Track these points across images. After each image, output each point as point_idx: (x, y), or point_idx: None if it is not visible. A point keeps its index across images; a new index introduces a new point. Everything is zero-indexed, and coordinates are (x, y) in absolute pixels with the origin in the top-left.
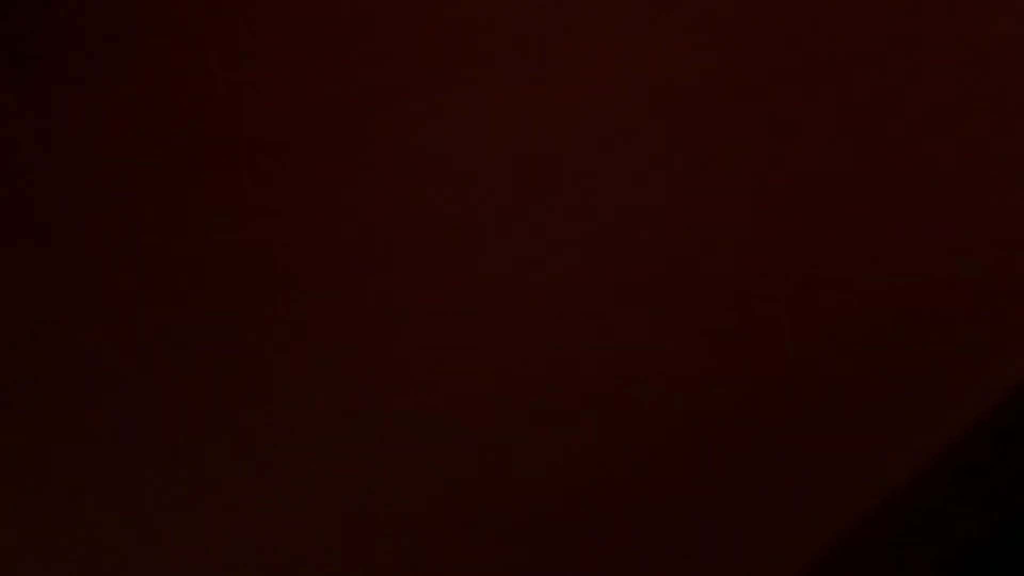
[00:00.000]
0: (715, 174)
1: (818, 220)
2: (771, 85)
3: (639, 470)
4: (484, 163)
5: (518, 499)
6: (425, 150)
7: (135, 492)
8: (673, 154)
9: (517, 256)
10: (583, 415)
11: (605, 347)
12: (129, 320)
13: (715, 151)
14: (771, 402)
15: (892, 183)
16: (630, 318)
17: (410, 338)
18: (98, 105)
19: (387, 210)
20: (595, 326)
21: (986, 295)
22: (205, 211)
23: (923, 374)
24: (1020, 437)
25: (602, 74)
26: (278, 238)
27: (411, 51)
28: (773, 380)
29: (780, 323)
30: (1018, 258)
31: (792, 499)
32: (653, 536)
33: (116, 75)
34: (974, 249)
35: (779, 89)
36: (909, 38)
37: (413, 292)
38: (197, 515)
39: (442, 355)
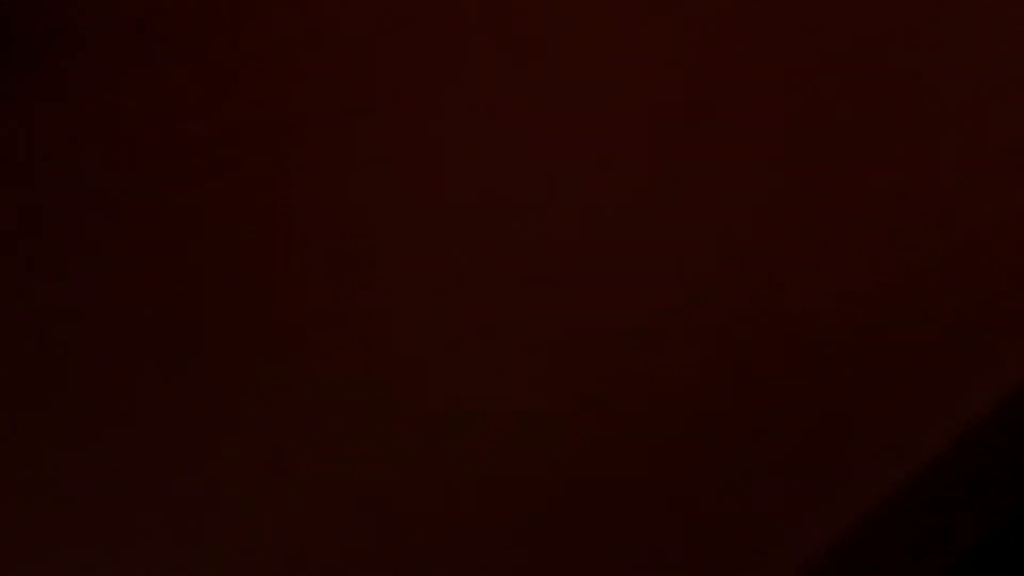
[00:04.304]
0: (714, 175)
1: (819, 221)
2: (773, 84)
3: (639, 470)
4: (484, 163)
5: (518, 498)
6: (424, 150)
7: (140, 494)
8: (672, 155)
9: (516, 255)
10: (584, 415)
11: (605, 347)
12: (128, 319)
13: (714, 152)
14: (770, 402)
15: (892, 183)
16: (630, 318)
17: (411, 336)
18: (98, 105)
19: (387, 209)
20: (595, 325)
21: (986, 295)
22: (204, 210)
23: (923, 374)
24: (1020, 437)
25: (600, 73)
26: (278, 237)
27: (410, 51)
28: (772, 380)
29: (780, 323)
30: (1019, 257)
31: (792, 499)
32: (653, 535)
33: (115, 76)
34: (974, 248)
35: (780, 88)
36: (908, 37)
37: (415, 290)
38: (201, 515)
39: (442, 354)
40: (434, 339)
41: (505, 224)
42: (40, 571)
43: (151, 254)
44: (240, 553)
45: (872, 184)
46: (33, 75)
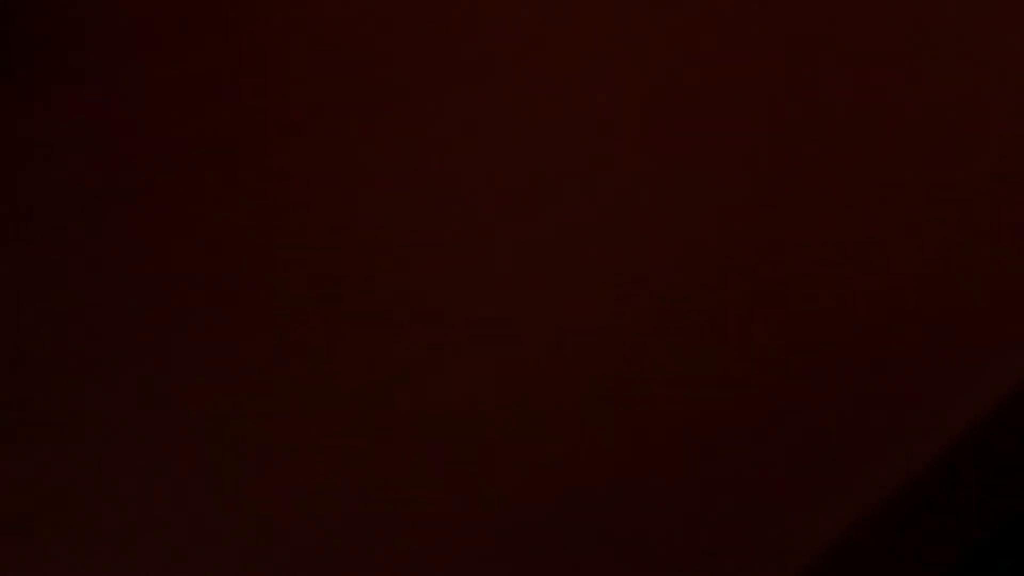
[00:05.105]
0: (716, 174)
1: (818, 221)
2: (772, 86)
3: (640, 469)
4: (487, 162)
5: (518, 497)
6: (429, 149)
7: (138, 489)
8: (676, 153)
9: (518, 254)
10: (584, 414)
11: (606, 346)
12: (132, 316)
13: (716, 151)
14: (770, 403)
15: (892, 183)
16: (631, 318)
17: (413, 334)
18: (99, 104)
19: (390, 209)
20: (596, 325)
21: (986, 295)
22: (204, 208)
23: (923, 374)
24: (1020, 437)
25: (604, 72)
26: (281, 236)
27: (415, 51)
28: (772, 381)
29: (780, 324)
30: (1018, 258)
31: (792, 499)
32: (652, 536)
33: (116, 75)
34: (974, 248)
35: (779, 90)
36: (908, 38)
37: (415, 290)
38: (200, 514)
39: (445, 352)
40: (438, 335)
41: (504, 224)
42: (38, 567)
43: (151, 252)
44: (238, 552)
45: (871, 185)
46: (33, 75)
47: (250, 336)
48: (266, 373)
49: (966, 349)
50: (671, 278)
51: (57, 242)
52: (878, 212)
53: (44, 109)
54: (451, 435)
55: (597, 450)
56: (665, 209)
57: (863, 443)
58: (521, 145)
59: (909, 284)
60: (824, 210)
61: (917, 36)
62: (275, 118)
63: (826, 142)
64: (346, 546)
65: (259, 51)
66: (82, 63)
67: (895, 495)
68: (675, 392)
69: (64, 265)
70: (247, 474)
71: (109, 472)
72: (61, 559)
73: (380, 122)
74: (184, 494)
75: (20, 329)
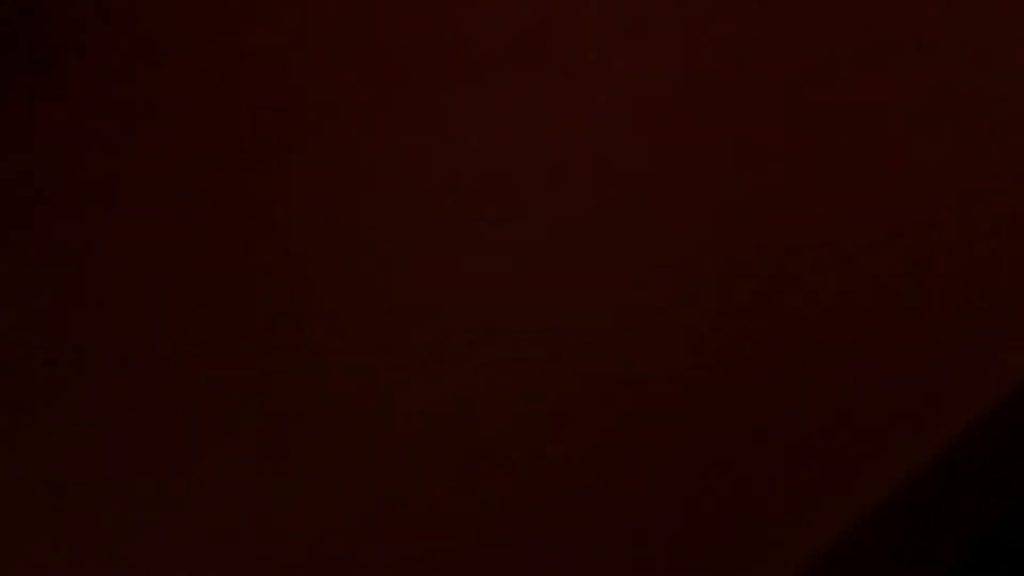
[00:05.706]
0: (714, 176)
1: (818, 221)
2: (773, 85)
3: (640, 469)
4: (487, 161)
5: (518, 497)
6: (429, 149)
7: (137, 490)
8: (675, 153)
9: (519, 254)
10: (584, 414)
11: (606, 347)
12: (132, 317)
13: (714, 153)
14: (770, 403)
15: (892, 184)
16: (631, 319)
17: (412, 336)
18: (100, 106)
19: (390, 208)
20: (597, 325)
21: (986, 294)
22: (206, 208)
23: (922, 374)
24: (1020, 437)
25: (601, 74)
26: (279, 237)
27: (412, 51)
28: (772, 381)
29: (780, 323)
30: (1017, 257)
31: (792, 499)
32: (652, 535)
33: (117, 76)
34: (974, 248)
35: (779, 86)
36: (908, 39)
37: (415, 289)
38: (201, 514)
39: (444, 354)
40: (436, 337)
41: (505, 224)
42: (39, 568)
43: (153, 252)
44: (238, 552)
45: (871, 184)
46: (34, 76)
47: (250, 336)
48: (266, 373)
49: (966, 349)
50: (671, 278)
51: (57, 242)
52: (878, 212)
53: (45, 109)
54: (451, 435)
55: (597, 450)
56: (665, 209)
57: (863, 443)
58: (521, 145)
59: (909, 284)
60: (824, 210)
61: (918, 35)
62: (275, 118)
63: (826, 143)
64: (346, 546)
65: (259, 51)
66: (82, 64)
67: (895, 495)
68: (675, 392)
69: (64, 265)
70: (247, 474)
71: (108, 472)
72: (60, 560)
73: (380, 122)
74: (184, 494)
75: (20, 329)
